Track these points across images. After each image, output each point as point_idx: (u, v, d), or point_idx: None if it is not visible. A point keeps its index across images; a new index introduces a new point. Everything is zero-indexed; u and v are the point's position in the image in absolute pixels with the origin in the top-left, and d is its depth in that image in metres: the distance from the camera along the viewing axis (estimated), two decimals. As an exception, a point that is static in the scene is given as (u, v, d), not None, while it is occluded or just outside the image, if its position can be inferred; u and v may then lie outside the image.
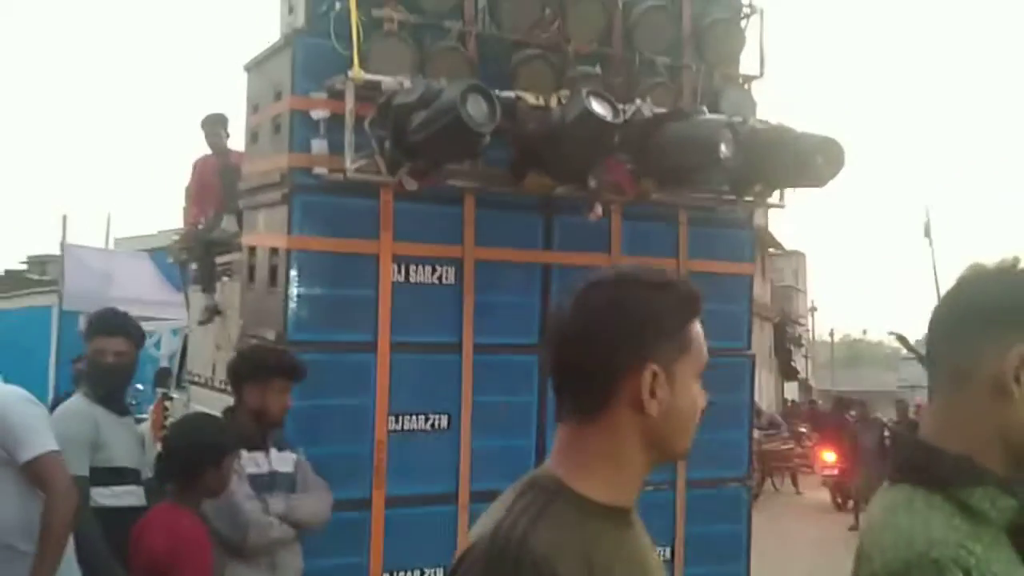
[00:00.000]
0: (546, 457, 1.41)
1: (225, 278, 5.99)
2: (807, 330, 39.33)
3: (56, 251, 13.74)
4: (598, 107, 3.98)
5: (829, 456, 14.95)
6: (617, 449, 1.33)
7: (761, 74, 5.10)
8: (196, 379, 6.65)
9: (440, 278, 4.49)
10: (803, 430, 19.44)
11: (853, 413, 15.64)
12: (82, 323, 10.80)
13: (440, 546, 4.32)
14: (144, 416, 8.77)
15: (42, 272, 18.77)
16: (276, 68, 4.46)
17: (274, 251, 4.43)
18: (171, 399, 7.96)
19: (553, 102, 4.25)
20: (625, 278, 1.37)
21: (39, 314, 12.66)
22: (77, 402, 3.91)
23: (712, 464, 4.99)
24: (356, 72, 4.00)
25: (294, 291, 4.25)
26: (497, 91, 4.03)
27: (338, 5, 4.11)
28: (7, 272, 21.38)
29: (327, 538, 3.90)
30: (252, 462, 3.57)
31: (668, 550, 4.85)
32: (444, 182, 4.32)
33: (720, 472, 5.08)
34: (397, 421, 4.36)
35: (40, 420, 3.14)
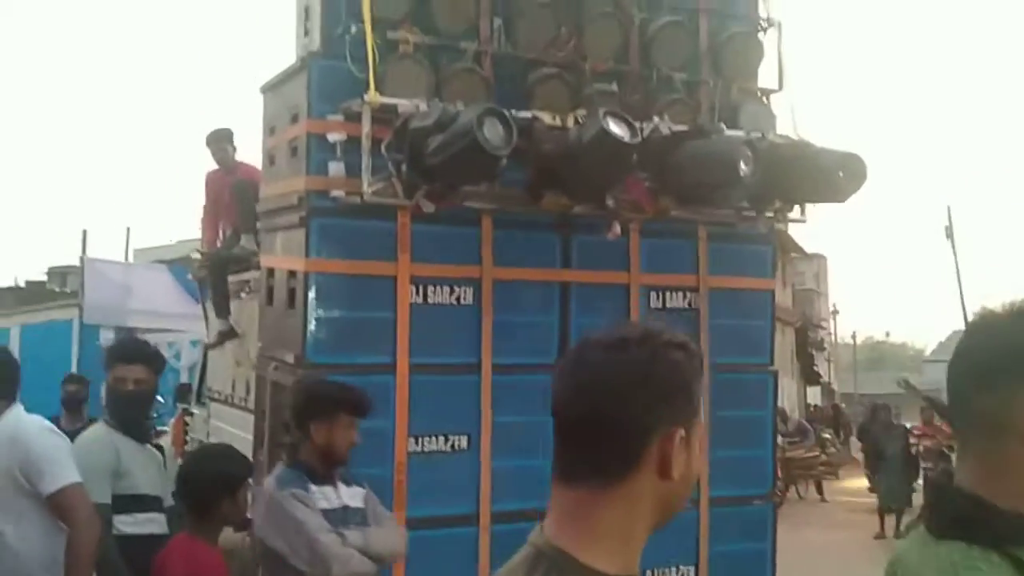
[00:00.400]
0: None
1: (243, 294, 6.01)
2: (829, 333, 39.02)
3: (76, 262, 13.89)
4: (615, 127, 3.94)
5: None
6: (634, 516, 1.28)
7: (780, 87, 5.04)
8: (216, 395, 6.68)
9: (458, 299, 4.47)
10: (827, 436, 19.27)
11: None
12: (103, 339, 10.91)
13: (461, 567, 4.30)
14: (165, 429, 8.83)
15: (63, 284, 18.96)
16: (292, 91, 4.46)
17: (292, 273, 4.43)
18: (191, 414, 8.00)
19: (570, 121, 4.22)
20: (654, 337, 1.33)
21: (60, 328, 12.76)
22: (98, 430, 3.92)
23: (736, 482, 4.95)
24: (372, 95, 3.99)
25: (312, 313, 4.24)
26: (513, 111, 4.00)
27: (354, 28, 4.10)
28: (28, 284, 21.59)
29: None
30: (322, 497, 3.49)
31: (692, 570, 4.80)
32: (461, 204, 4.30)
33: (744, 490, 5.03)
34: (417, 442, 4.34)
35: (62, 452, 3.15)
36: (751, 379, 5.11)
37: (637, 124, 4.10)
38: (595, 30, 4.56)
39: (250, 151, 6.50)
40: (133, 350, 4.04)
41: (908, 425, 14.49)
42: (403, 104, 4.01)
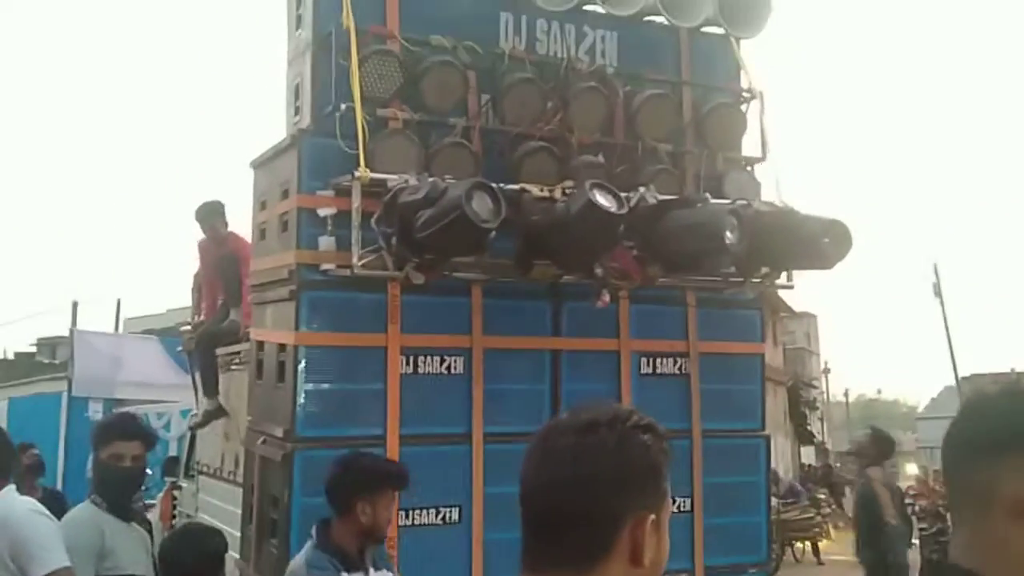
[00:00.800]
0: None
1: (233, 367, 5.99)
2: (821, 392, 38.94)
3: (66, 333, 13.83)
4: (602, 198, 4.00)
5: None
6: None
7: (763, 156, 5.14)
8: (205, 469, 6.61)
9: (449, 368, 4.48)
10: (821, 496, 19.09)
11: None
12: (91, 412, 10.83)
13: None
14: (153, 503, 8.70)
15: (52, 355, 18.84)
16: (283, 167, 4.52)
17: (282, 347, 4.43)
18: (180, 488, 7.90)
19: (558, 193, 4.29)
20: (622, 420, 1.33)
21: (48, 401, 12.65)
22: (84, 510, 3.85)
23: (730, 550, 4.91)
24: (362, 170, 4.05)
25: (302, 386, 4.23)
26: (502, 184, 4.07)
27: (343, 106, 4.18)
28: (17, 355, 21.44)
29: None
30: None
31: (688, 643, 4.72)
32: (451, 275, 4.33)
33: (739, 558, 4.98)
34: (407, 516, 4.29)
35: (52, 536, 3.11)
36: (743, 444, 5.10)
37: (623, 194, 4.16)
38: (580, 104, 4.66)
39: (238, 224, 6.53)
40: (133, 426, 3.98)
41: (904, 486, 14.37)
42: (392, 179, 4.07)
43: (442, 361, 4.46)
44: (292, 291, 4.30)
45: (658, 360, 4.92)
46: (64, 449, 11.76)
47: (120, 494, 3.82)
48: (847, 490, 21.71)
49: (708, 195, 4.64)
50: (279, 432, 4.33)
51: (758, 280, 4.99)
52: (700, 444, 4.85)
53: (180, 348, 7.93)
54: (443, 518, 4.37)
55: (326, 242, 4.21)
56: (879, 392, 69.68)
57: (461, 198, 3.75)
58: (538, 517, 1.29)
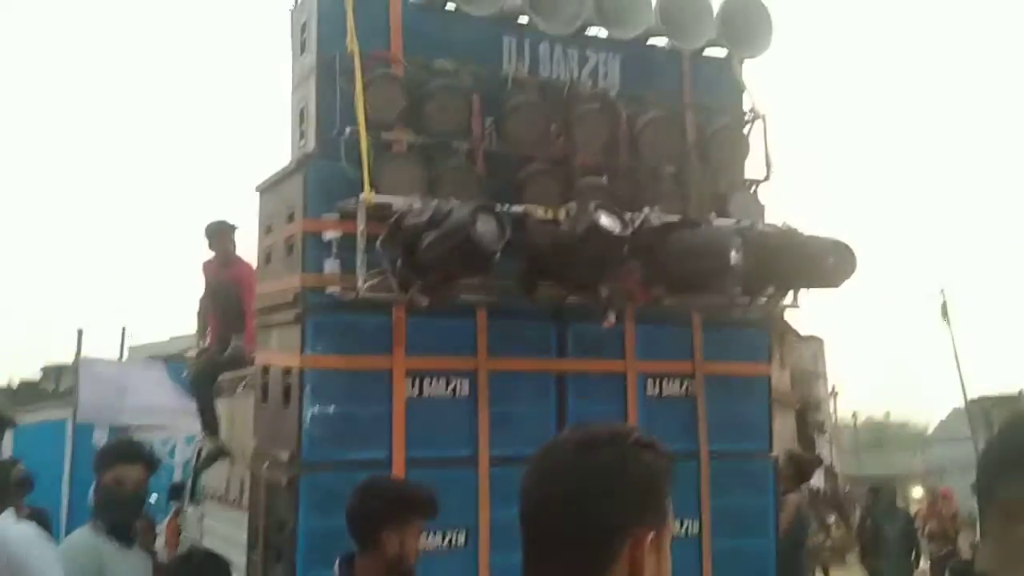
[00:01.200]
0: None
1: (239, 391, 5.99)
2: (830, 415, 38.71)
3: (71, 360, 13.85)
4: (606, 220, 4.02)
5: None
6: None
7: (767, 178, 5.15)
8: (210, 494, 6.58)
9: (454, 391, 4.47)
10: (831, 521, 18.92)
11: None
12: (96, 439, 10.80)
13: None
14: (159, 530, 8.64)
15: (57, 382, 18.84)
16: (288, 191, 4.54)
17: (287, 370, 4.43)
18: (184, 514, 7.85)
19: (562, 215, 4.30)
20: (623, 437, 1.33)
21: (53, 428, 12.63)
22: (83, 534, 3.83)
23: (737, 572, 4.86)
24: (367, 194, 4.07)
25: (308, 410, 4.23)
26: (506, 207, 4.09)
27: (348, 129, 4.21)
28: (22, 383, 21.46)
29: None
30: None
31: (696, 668, 4.67)
32: (456, 297, 4.34)
33: (747, 582, 4.93)
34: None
35: (51, 562, 3.10)
36: (751, 466, 5.07)
37: (627, 216, 4.18)
38: (584, 126, 4.69)
39: (244, 249, 6.51)
40: (135, 449, 3.99)
41: (912, 509, 14.26)
42: (397, 202, 4.09)
43: (448, 384, 4.45)
44: (297, 315, 4.30)
45: (664, 381, 4.90)
46: (69, 476, 11.73)
47: (121, 518, 3.82)
48: (855, 511, 21.55)
49: (712, 216, 4.66)
50: (285, 456, 4.32)
51: (763, 300, 4.99)
52: (707, 466, 4.82)
53: (185, 374, 7.92)
54: (449, 542, 4.34)
55: (331, 265, 4.22)
56: (888, 415, 69.22)
57: (465, 220, 3.77)
58: (538, 534, 1.29)
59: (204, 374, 6.22)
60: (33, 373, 22.41)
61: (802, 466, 7.08)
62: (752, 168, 5.19)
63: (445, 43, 4.60)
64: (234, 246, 6.62)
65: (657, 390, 4.87)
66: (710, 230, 4.47)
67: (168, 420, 11.62)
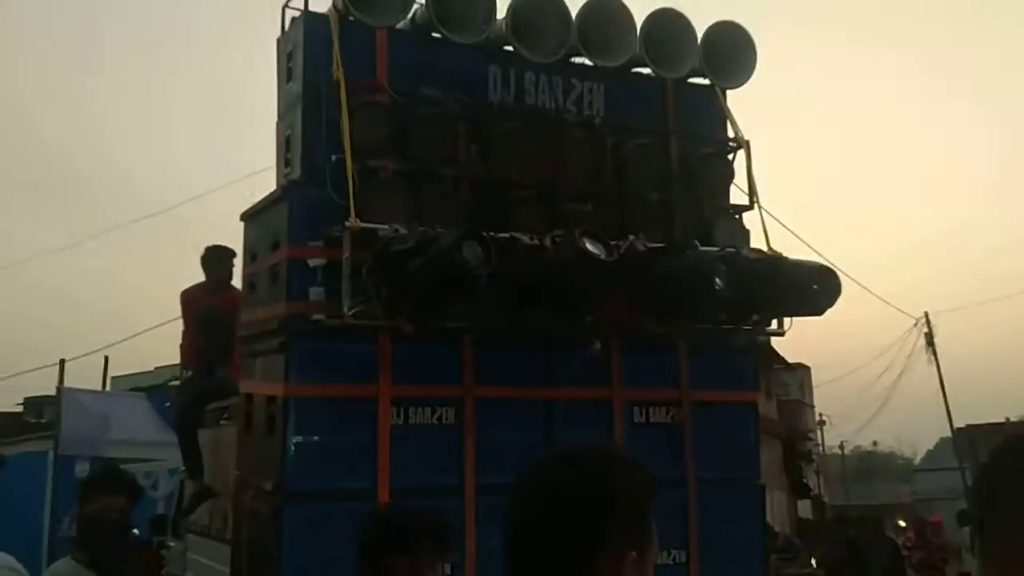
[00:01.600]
0: None
1: (222, 421, 5.92)
2: (817, 444, 38.68)
3: (53, 392, 13.70)
4: (592, 246, 4.03)
5: None
6: None
7: (751, 204, 5.18)
8: (193, 527, 6.48)
9: (440, 419, 4.44)
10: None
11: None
12: (78, 471, 10.66)
13: None
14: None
15: (39, 415, 18.63)
16: (274, 218, 4.53)
17: (271, 399, 4.39)
18: (167, 547, 7.74)
19: (547, 242, 4.30)
20: (604, 457, 1.33)
21: (34, 460, 12.48)
22: (63, 566, 3.73)
23: (727, 603, 4.82)
24: (353, 221, 4.07)
25: (292, 439, 4.18)
26: (491, 233, 4.08)
27: (334, 157, 4.21)
28: (3, 415, 21.19)
29: None
30: None
31: None
32: (442, 324, 4.32)
33: (735, 609, 4.88)
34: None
35: None
36: (738, 494, 5.04)
37: (613, 243, 4.19)
38: (569, 154, 4.72)
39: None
40: (118, 479, 3.90)
41: (899, 539, 14.22)
42: (383, 229, 4.08)
43: (433, 412, 4.42)
44: (282, 342, 4.28)
45: (651, 409, 4.89)
46: (51, 508, 11.57)
47: (104, 549, 3.73)
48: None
49: (697, 243, 4.67)
50: (268, 485, 4.27)
51: (748, 327, 4.99)
52: (695, 494, 4.80)
53: (168, 404, 7.82)
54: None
55: (316, 293, 4.20)
56: (875, 444, 69.25)
57: (451, 247, 3.77)
58: (521, 552, 1.29)
59: (189, 414, 6.09)
60: (14, 405, 22.17)
61: None
62: (736, 195, 5.23)
63: (431, 71, 4.63)
64: (231, 272, 6.46)
65: (644, 418, 4.85)
66: (695, 256, 4.49)
67: (151, 453, 11.51)
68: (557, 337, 4.61)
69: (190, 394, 6.29)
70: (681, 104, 5.21)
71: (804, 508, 30.62)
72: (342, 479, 4.23)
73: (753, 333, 5.09)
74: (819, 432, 40.69)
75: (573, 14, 4.77)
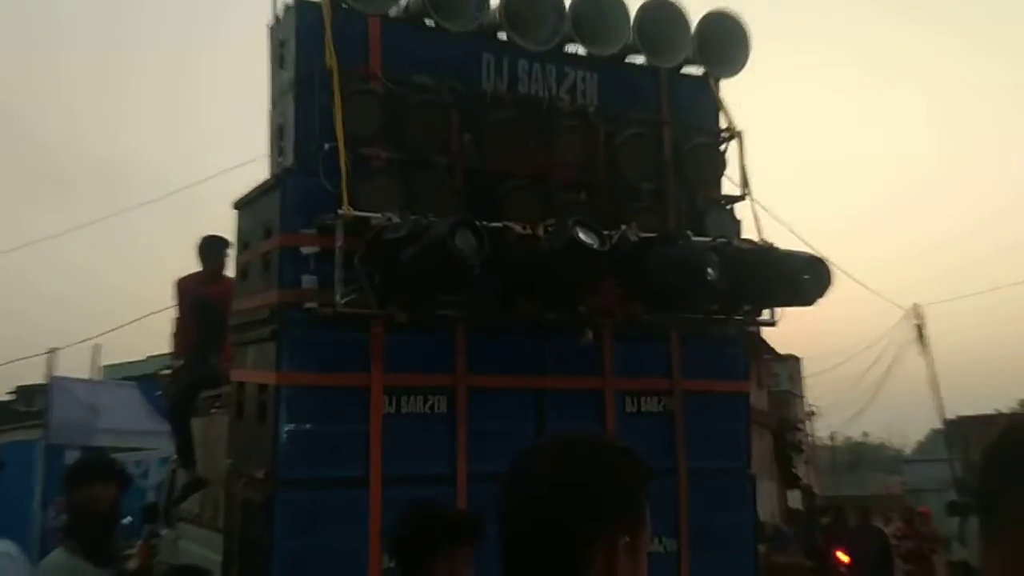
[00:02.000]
0: None
1: (214, 410, 5.92)
2: (807, 435, 38.84)
3: (44, 381, 13.66)
4: (584, 236, 4.02)
5: None
6: None
7: (744, 195, 5.19)
8: (185, 515, 6.48)
9: (432, 408, 4.44)
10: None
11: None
12: (68, 459, 10.63)
13: None
14: (132, 552, 8.51)
15: (29, 404, 18.56)
16: (266, 206, 4.52)
17: (263, 387, 4.38)
18: (158, 536, 7.74)
19: (540, 231, 4.30)
20: (597, 444, 1.33)
21: (24, 449, 12.46)
22: (58, 557, 3.71)
23: (717, 590, 4.84)
24: (346, 209, 4.06)
25: (283, 427, 4.18)
26: (484, 222, 4.08)
27: (326, 145, 4.20)
28: (-7, 404, 21.11)
29: None
30: None
31: None
32: (434, 313, 4.32)
33: (725, 600, 4.91)
34: (391, 559, 4.21)
35: None
36: (729, 484, 5.07)
37: (606, 232, 4.19)
38: (562, 143, 4.71)
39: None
40: (109, 467, 3.88)
41: (888, 528, 14.32)
42: (376, 217, 4.07)
43: (426, 401, 4.42)
44: (274, 331, 4.27)
45: (643, 399, 4.90)
46: (41, 497, 11.54)
47: (97, 538, 3.72)
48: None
49: (689, 233, 4.68)
50: (260, 474, 4.27)
51: (740, 317, 5.01)
52: (686, 483, 4.81)
53: (159, 393, 7.80)
54: (427, 560, 4.29)
55: (309, 281, 4.19)
56: (865, 435, 69.58)
57: (444, 236, 3.76)
58: (513, 541, 1.30)
59: (181, 402, 6.08)
60: (5, 394, 22.09)
61: None
62: (729, 185, 5.24)
63: (424, 59, 4.61)
64: (225, 263, 6.45)
65: (635, 407, 4.86)
66: (687, 246, 4.49)
67: (142, 442, 11.50)
68: (549, 326, 4.61)
69: (182, 383, 6.28)
70: (674, 94, 5.20)
71: (794, 498, 30.78)
72: (334, 467, 4.23)
73: (744, 323, 5.10)
74: (809, 423, 40.84)
75: (567, 2, 4.76)
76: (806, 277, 4.54)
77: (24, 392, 20.58)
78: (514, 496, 1.31)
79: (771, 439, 27.04)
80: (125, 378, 15.96)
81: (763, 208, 5.17)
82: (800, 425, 36.85)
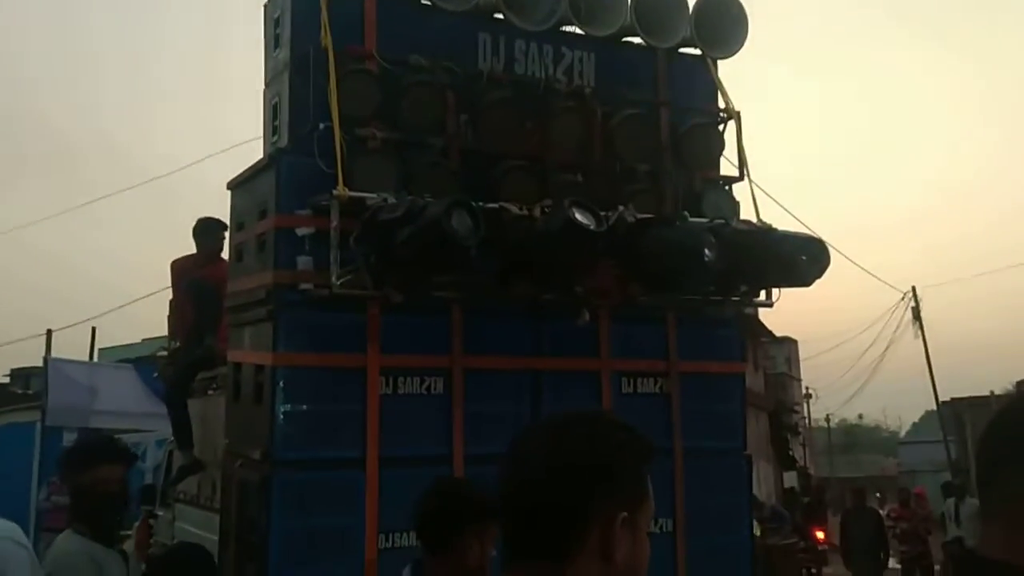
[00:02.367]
0: None
1: (210, 391, 5.92)
2: (803, 417, 39.03)
3: (40, 363, 13.66)
4: (581, 216, 4.01)
5: None
6: None
7: (741, 176, 5.17)
8: (182, 496, 6.50)
9: (429, 389, 4.44)
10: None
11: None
12: (66, 441, 10.65)
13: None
14: (128, 532, 8.54)
15: (26, 386, 18.58)
16: (261, 187, 4.50)
17: (259, 368, 4.38)
18: (156, 517, 7.76)
19: (537, 212, 4.28)
20: (596, 420, 1.33)
21: (21, 431, 12.46)
22: (73, 542, 3.57)
23: (712, 570, 4.86)
24: (341, 190, 4.04)
25: (280, 408, 4.18)
26: (481, 203, 4.06)
27: (321, 125, 4.18)
28: (-10, 386, 21.13)
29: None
30: None
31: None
32: (430, 294, 4.31)
33: (722, 579, 4.93)
34: (388, 539, 4.23)
35: (23, 567, 3.04)
36: (725, 464, 5.08)
37: (602, 213, 4.17)
38: (559, 123, 4.68)
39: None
40: (116, 448, 3.83)
41: (886, 509, 14.42)
42: (371, 198, 4.06)
43: (422, 382, 4.42)
44: (270, 311, 4.26)
45: (639, 380, 4.90)
46: (38, 478, 11.57)
47: (107, 520, 3.68)
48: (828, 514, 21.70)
49: (686, 214, 4.67)
50: (257, 454, 4.27)
51: (737, 298, 5.01)
52: (682, 464, 4.83)
53: (156, 374, 7.80)
54: (424, 540, 4.30)
55: (304, 262, 4.17)
56: (861, 417, 69.85)
57: (440, 216, 3.75)
58: (514, 513, 1.30)
59: (178, 386, 6.07)
60: (1, 376, 22.10)
61: None
62: (726, 166, 5.22)
63: (420, 39, 4.58)
64: (222, 245, 6.42)
65: (632, 388, 4.87)
66: (684, 227, 4.48)
67: (139, 424, 11.52)
68: (546, 307, 4.61)
69: (179, 364, 6.27)
70: (672, 74, 5.17)
71: (790, 480, 30.94)
72: (331, 448, 4.24)
73: (741, 304, 5.10)
74: (805, 405, 41.04)
75: (564, -19, 4.72)
76: (803, 258, 4.53)
77: (19, 374, 20.61)
78: (514, 471, 1.31)
79: (767, 421, 27.17)
80: (121, 361, 15.96)
81: (761, 189, 5.15)
82: (796, 407, 37.04)
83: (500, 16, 4.73)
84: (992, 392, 27.86)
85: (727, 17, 5.14)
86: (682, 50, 5.21)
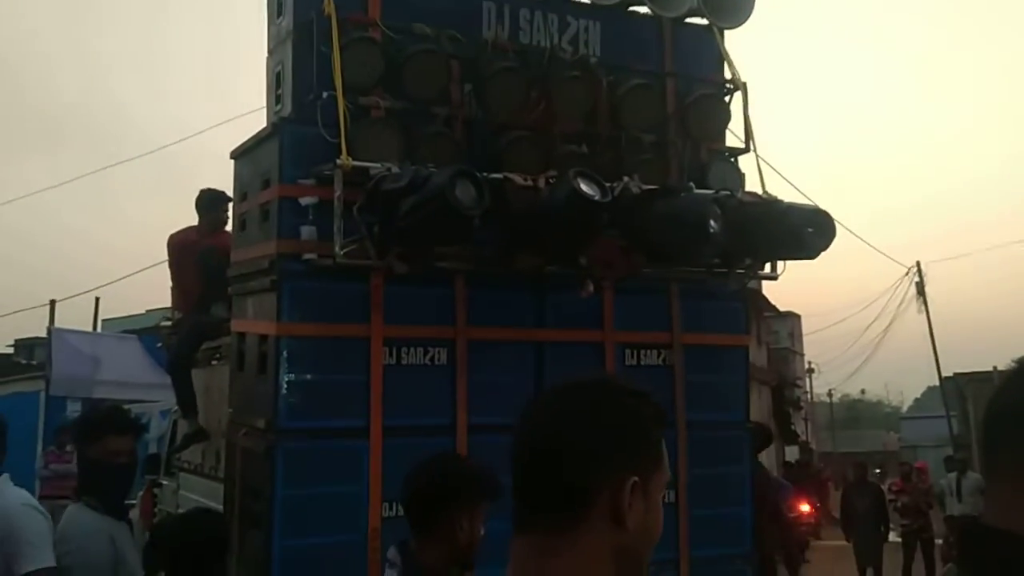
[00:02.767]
0: None
1: (215, 361, 5.93)
2: (805, 392, 39.13)
3: (44, 334, 13.69)
4: (586, 187, 3.99)
5: None
6: (588, 565, 1.24)
7: (747, 147, 5.14)
8: (186, 466, 6.53)
9: (432, 359, 4.44)
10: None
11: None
12: (69, 411, 10.71)
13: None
14: (133, 502, 8.59)
15: (30, 356, 18.66)
16: (264, 156, 4.47)
17: (263, 338, 4.38)
18: (160, 486, 7.81)
19: (541, 182, 4.26)
20: (608, 384, 1.32)
21: (26, 400, 12.52)
22: (86, 517, 3.56)
23: (713, 541, 4.89)
24: (344, 159, 4.01)
25: (284, 378, 4.18)
26: (485, 173, 4.04)
27: (325, 94, 4.14)
28: (-6, 356, 21.21)
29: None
30: None
31: (672, 633, 4.71)
32: (434, 264, 4.30)
33: (721, 549, 4.96)
34: (392, 508, 4.25)
35: (43, 535, 3.07)
36: (727, 436, 5.09)
37: (607, 184, 4.15)
38: (564, 93, 4.64)
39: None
40: (125, 419, 3.81)
41: (887, 483, 14.47)
42: (375, 167, 4.03)
43: (426, 352, 4.42)
44: (273, 281, 4.25)
45: (642, 352, 4.90)
46: (42, 449, 11.64)
47: (117, 492, 3.68)
48: (830, 487, 21.84)
49: (692, 185, 4.64)
50: (261, 424, 4.29)
51: (742, 271, 4.99)
52: (684, 435, 4.84)
53: (159, 344, 7.81)
54: (427, 510, 4.32)
55: (308, 231, 4.16)
56: (863, 392, 69.98)
57: (444, 186, 3.73)
58: (525, 477, 1.28)
59: (182, 355, 6.06)
60: (5, 347, 22.18)
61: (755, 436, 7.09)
62: (732, 138, 5.18)
63: (424, 7, 4.53)
64: (226, 217, 6.39)
65: (635, 360, 4.87)
66: (689, 199, 4.45)
67: (143, 394, 11.56)
68: (550, 278, 4.59)
69: (183, 334, 6.28)
70: (678, 44, 5.12)
71: (791, 454, 31.06)
72: (334, 417, 4.25)
73: (746, 276, 5.08)
74: (808, 379, 41.14)
75: (570, -50, 4.67)
76: (809, 230, 4.51)
77: (23, 344, 20.68)
78: (525, 436, 1.30)
79: (770, 395, 27.24)
80: (124, 331, 16.00)
81: (766, 161, 5.12)
82: (799, 382, 37.13)
83: (505, -16, 4.68)
84: (995, 367, 27.86)
85: (735, -14, 5.08)
86: (689, 20, 5.16)
